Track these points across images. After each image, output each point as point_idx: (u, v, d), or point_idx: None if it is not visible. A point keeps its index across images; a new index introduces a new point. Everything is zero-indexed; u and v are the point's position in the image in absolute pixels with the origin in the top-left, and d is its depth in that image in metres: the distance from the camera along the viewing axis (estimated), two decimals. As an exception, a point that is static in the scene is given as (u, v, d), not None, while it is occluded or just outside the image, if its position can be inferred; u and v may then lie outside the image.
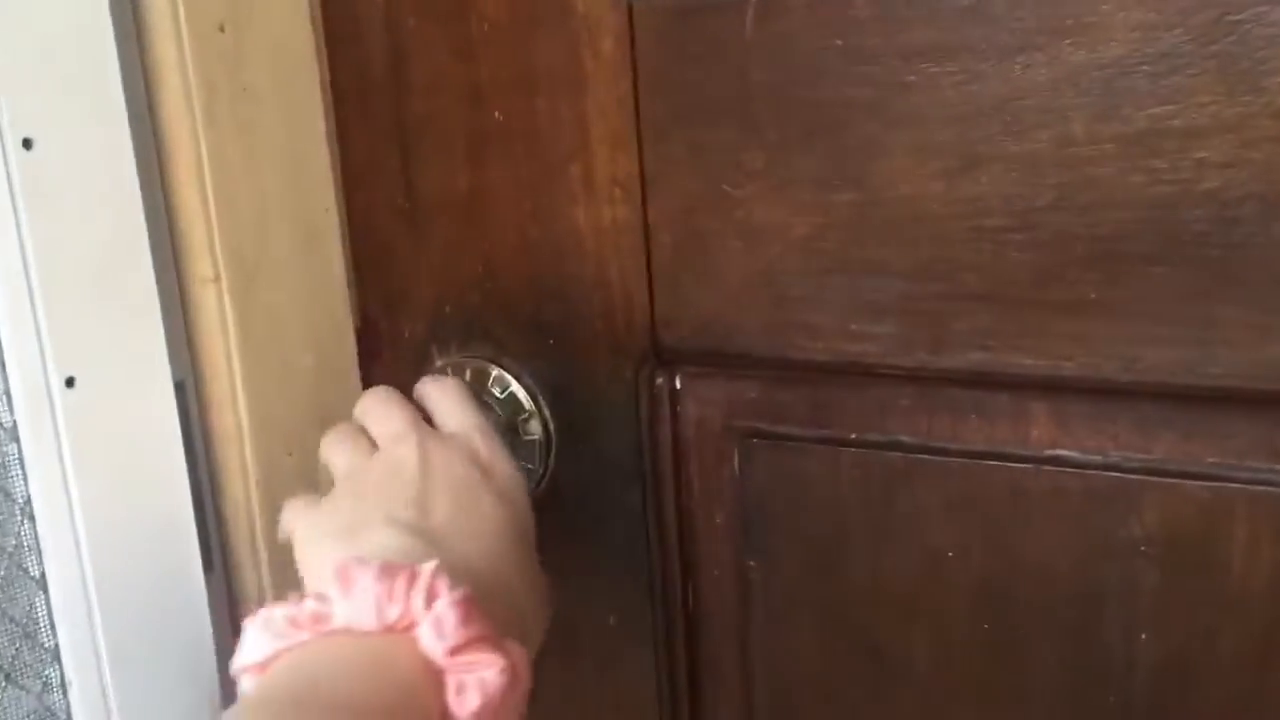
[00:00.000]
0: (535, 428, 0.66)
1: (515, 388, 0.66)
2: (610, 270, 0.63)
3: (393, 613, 0.43)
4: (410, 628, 0.43)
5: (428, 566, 0.44)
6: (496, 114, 0.64)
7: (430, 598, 0.43)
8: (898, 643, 0.61)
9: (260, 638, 0.44)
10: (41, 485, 0.57)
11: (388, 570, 0.44)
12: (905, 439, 0.59)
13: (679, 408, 0.64)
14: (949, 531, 0.59)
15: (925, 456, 0.59)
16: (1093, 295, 0.53)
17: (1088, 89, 0.51)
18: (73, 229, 0.57)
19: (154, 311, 0.60)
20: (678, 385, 0.64)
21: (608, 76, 0.60)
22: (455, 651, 0.43)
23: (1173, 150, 0.50)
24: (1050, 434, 0.56)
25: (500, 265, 0.66)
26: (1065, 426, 0.56)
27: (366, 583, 0.43)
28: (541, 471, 0.66)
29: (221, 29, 0.60)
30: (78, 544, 0.58)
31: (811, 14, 0.55)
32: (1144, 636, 0.56)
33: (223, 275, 0.61)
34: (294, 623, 0.44)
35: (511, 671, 0.44)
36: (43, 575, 0.58)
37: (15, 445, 0.56)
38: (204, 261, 0.61)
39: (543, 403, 0.66)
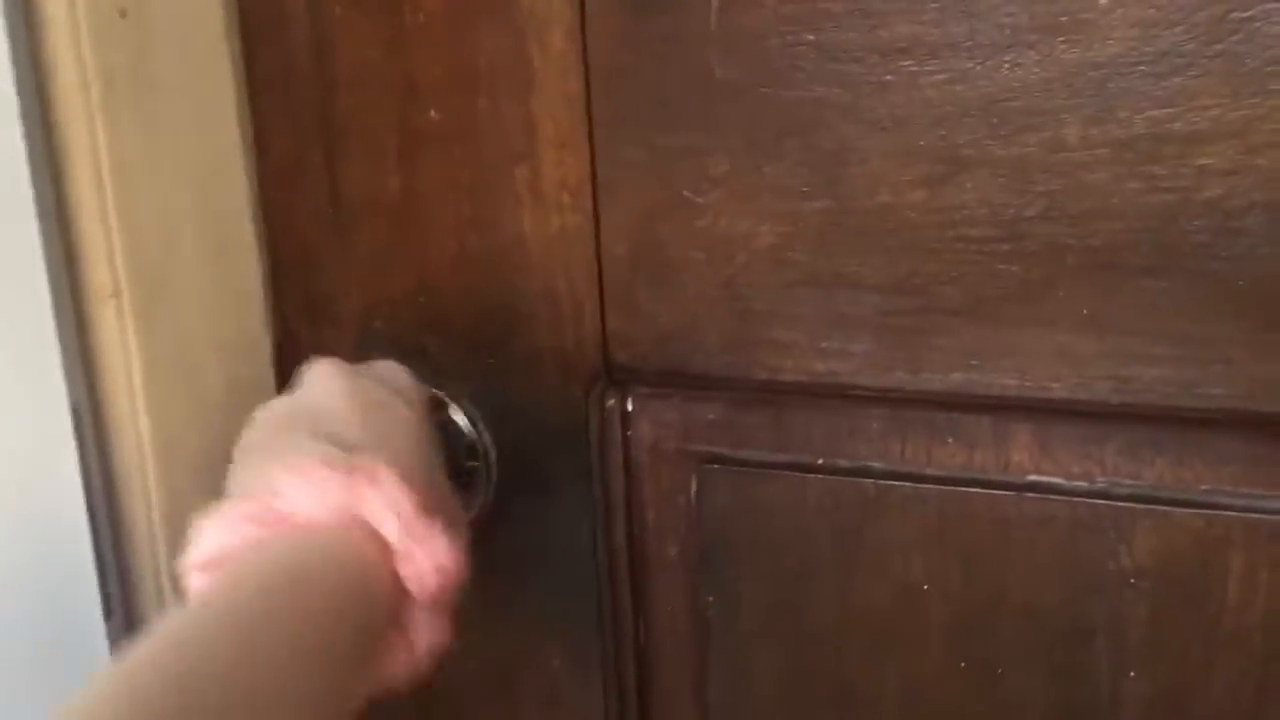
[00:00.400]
0: (475, 454, 0.61)
1: (453, 410, 0.61)
2: (558, 282, 0.58)
3: (344, 500, 0.44)
4: (362, 515, 0.45)
5: (369, 459, 0.46)
6: (432, 112, 0.59)
7: (376, 483, 0.45)
8: (868, 682, 0.57)
9: (217, 534, 0.44)
10: None
11: (329, 462, 0.45)
12: (877, 464, 0.55)
13: (631, 431, 0.59)
14: (924, 563, 0.55)
15: (898, 483, 0.55)
16: (1084, 311, 0.50)
17: (1081, 90, 0.47)
18: None
19: (47, 330, 0.53)
20: (630, 407, 0.59)
21: (556, 73, 0.56)
22: (411, 533, 0.45)
23: (1172, 156, 0.47)
24: (1033, 458, 0.53)
25: (436, 276, 0.60)
26: (1049, 451, 0.52)
27: (316, 475, 0.44)
28: (483, 501, 0.61)
29: (123, 14, 0.54)
30: None
31: (781, 7, 0.51)
32: (1133, 674, 0.52)
33: (124, 289, 0.55)
34: (252, 519, 0.44)
35: (460, 550, 0.46)
36: None
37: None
38: (103, 274, 0.55)
39: (483, 427, 0.61)
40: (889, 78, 0.50)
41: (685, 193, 0.55)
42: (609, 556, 0.61)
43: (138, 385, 0.56)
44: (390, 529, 0.44)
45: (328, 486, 0.44)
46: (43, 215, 0.53)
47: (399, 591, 0.45)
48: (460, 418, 0.61)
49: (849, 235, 0.53)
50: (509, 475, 0.61)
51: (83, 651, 0.55)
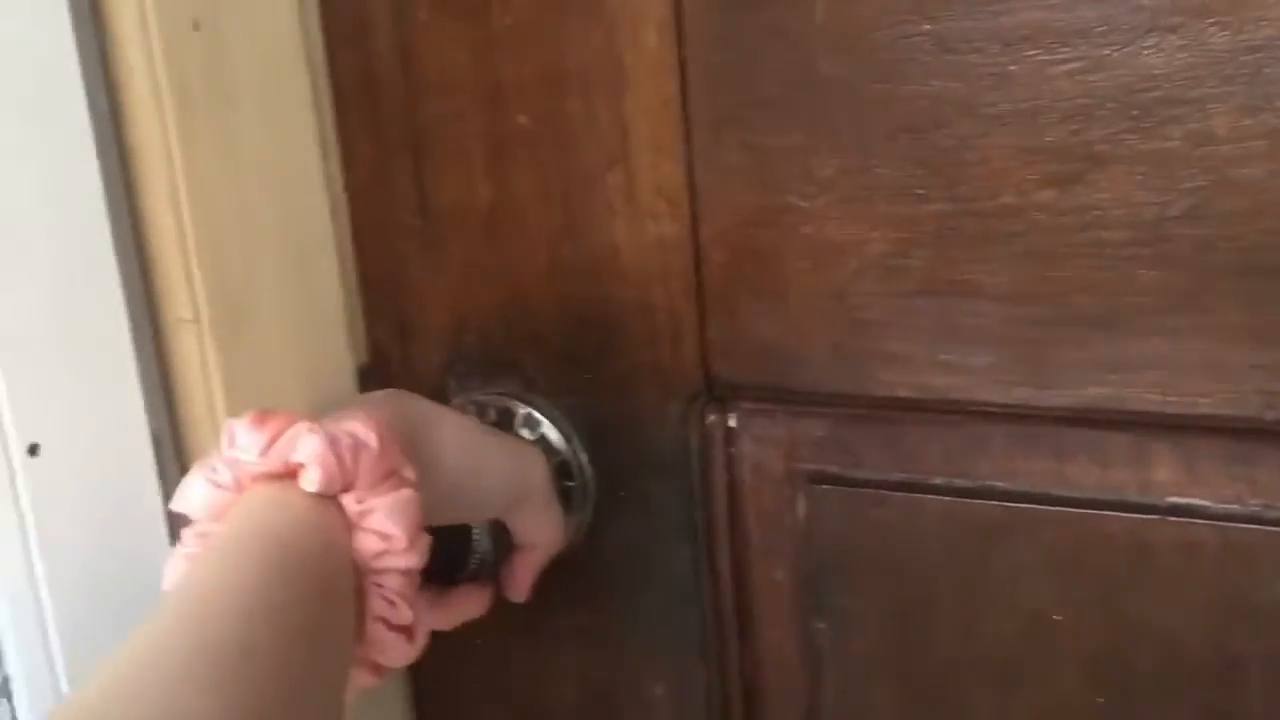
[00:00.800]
0: (572, 474, 0.58)
1: (547, 428, 0.58)
2: (655, 293, 0.55)
3: (281, 450, 0.44)
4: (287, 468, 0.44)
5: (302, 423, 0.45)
6: (521, 117, 0.56)
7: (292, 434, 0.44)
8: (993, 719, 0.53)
9: (208, 490, 0.45)
10: (1, 572, 0.48)
11: (262, 419, 0.45)
12: (1000, 484, 0.51)
13: (734, 449, 0.56)
14: (1055, 591, 0.51)
15: (1025, 505, 0.51)
16: (1235, 320, 0.45)
17: (1232, 77, 0.43)
18: (30, 266, 0.48)
19: (126, 357, 0.51)
20: (733, 423, 0.56)
21: (651, 73, 0.53)
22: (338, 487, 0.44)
23: (1338, 148, 0.42)
24: (1176, 479, 0.48)
25: (527, 288, 0.58)
26: (1195, 471, 0.48)
27: (246, 437, 0.45)
28: (579, 522, 0.59)
29: (196, 26, 0.52)
30: (46, 641, 0.49)
31: (892, -5, 0.47)
32: (1291, 714, 0.48)
33: (203, 314, 0.53)
34: (211, 470, 0.45)
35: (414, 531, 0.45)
36: (4, 681, 0.49)
37: (-33, 530, 0.48)
38: (181, 298, 0.53)
39: (578, 445, 0.58)
40: (1013, 68, 0.46)
41: (790, 197, 0.51)
42: (712, 581, 0.58)
43: (219, 412, 0.53)
44: (310, 478, 0.43)
45: (261, 448, 0.44)
46: (118, 238, 0.51)
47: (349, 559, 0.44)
48: (555, 435, 0.58)
49: (969, 240, 0.49)
50: (606, 495, 0.59)
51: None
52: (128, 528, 0.52)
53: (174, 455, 0.54)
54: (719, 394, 0.56)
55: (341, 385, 0.61)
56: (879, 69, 0.49)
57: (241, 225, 0.55)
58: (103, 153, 0.50)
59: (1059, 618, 0.51)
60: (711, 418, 0.56)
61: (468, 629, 0.55)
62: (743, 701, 0.58)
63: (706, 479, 0.57)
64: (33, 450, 0.48)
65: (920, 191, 0.49)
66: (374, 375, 0.62)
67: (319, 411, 0.48)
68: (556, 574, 0.58)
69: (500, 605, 0.57)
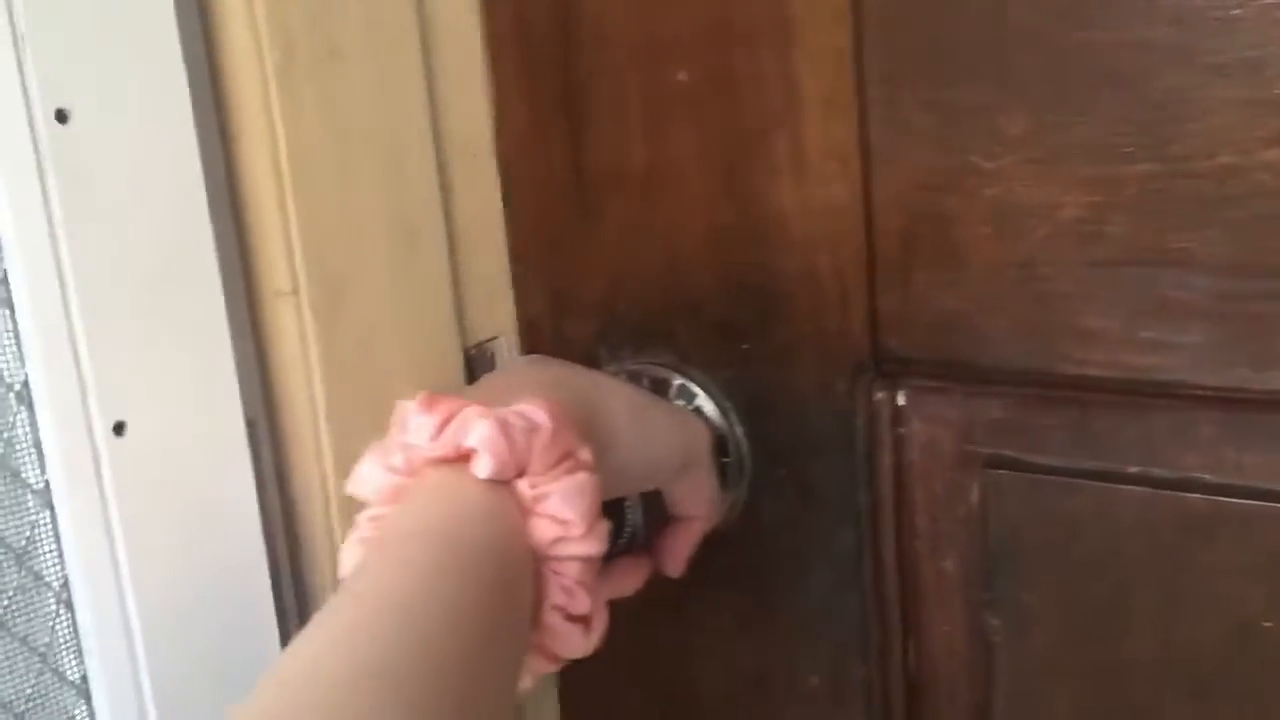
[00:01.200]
0: (727, 449, 0.55)
1: (702, 401, 0.55)
2: (821, 261, 0.52)
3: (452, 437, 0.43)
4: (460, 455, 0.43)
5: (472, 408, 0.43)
6: (681, 73, 0.53)
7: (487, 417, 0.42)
8: (1189, 731, 0.49)
9: (381, 474, 0.44)
10: (82, 564, 0.45)
11: (431, 401, 0.43)
12: (1207, 477, 0.46)
13: (903, 428, 0.52)
14: (1266, 595, 0.46)
15: (1235, 500, 0.46)
16: None
17: None
18: (119, 229, 0.45)
19: (220, 333, 0.48)
20: (902, 401, 0.52)
21: (821, 22, 0.49)
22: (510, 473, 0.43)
23: None
24: None
25: (685, 255, 0.55)
26: None
27: (417, 421, 0.43)
28: (734, 500, 0.56)
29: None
30: (129, 636, 0.46)
31: (1098, -69, 0.43)
32: None
33: (303, 288, 0.49)
34: (385, 454, 0.44)
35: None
36: (84, 680, 0.46)
37: (48, 513, 0.45)
38: (280, 271, 0.49)
39: (735, 419, 0.55)
40: (1236, 12, 0.41)
41: (973, 157, 0.47)
42: (875, 567, 0.54)
43: (317, 390, 0.50)
44: (483, 465, 0.41)
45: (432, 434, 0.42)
46: (213, 200, 0.48)
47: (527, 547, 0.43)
48: (710, 408, 0.55)
49: (1179, 204, 0.44)
50: (764, 473, 0.56)
51: (259, 669, 0.51)
52: (218, 514, 0.49)
53: (268, 436, 0.51)
54: (888, 369, 0.52)
55: (450, 366, 0.56)
56: (1079, 15, 0.44)
57: (345, 192, 0.51)
58: (199, 112, 0.47)
59: (1269, 625, 0.46)
60: (879, 394, 0.52)
61: (613, 607, 0.53)
62: (905, 696, 0.55)
63: (871, 459, 0.53)
64: (118, 429, 0.45)
65: (1127, 150, 0.44)
66: (527, 346, 0.60)
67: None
68: (708, 552, 0.55)
69: (646, 583, 0.54)
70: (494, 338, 0.59)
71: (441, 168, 0.55)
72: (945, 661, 0.54)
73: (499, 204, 0.59)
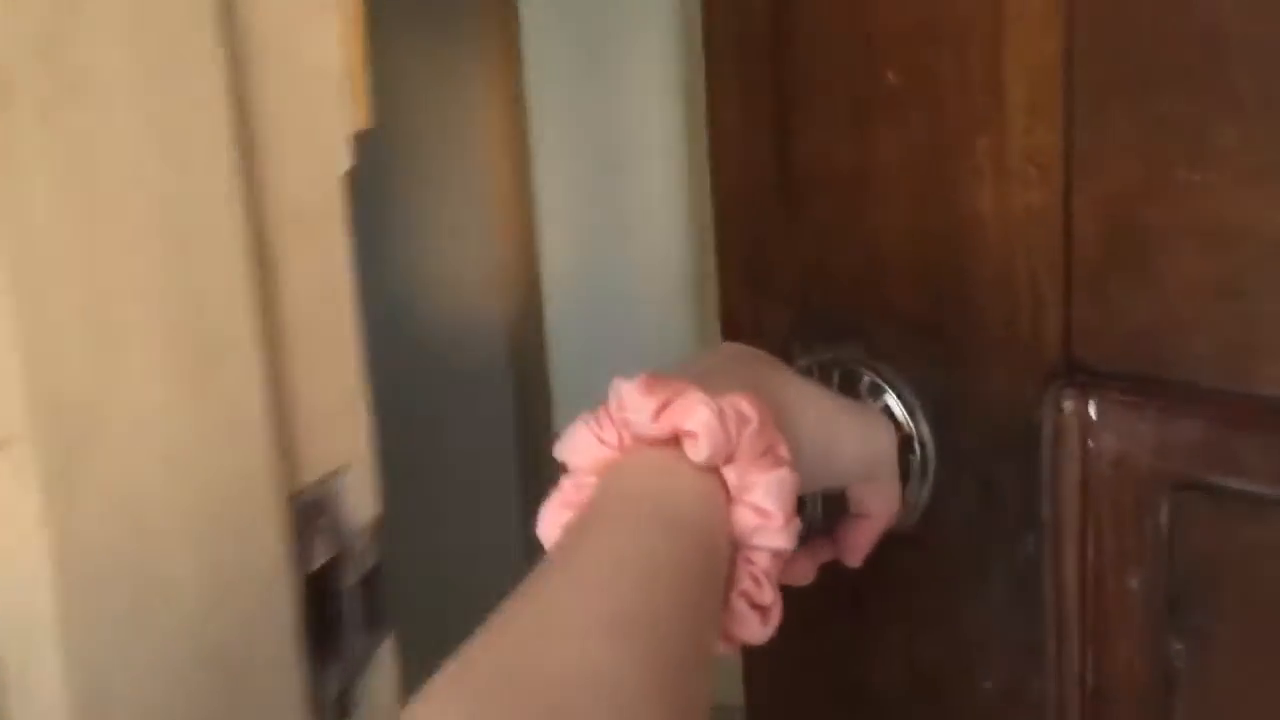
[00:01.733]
0: (912, 447, 0.56)
1: (890, 398, 0.56)
2: (1018, 266, 0.52)
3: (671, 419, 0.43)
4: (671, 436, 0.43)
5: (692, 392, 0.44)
6: (889, 74, 0.54)
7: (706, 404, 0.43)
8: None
9: (593, 444, 0.45)
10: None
11: (651, 385, 0.44)
12: None
13: (1093, 441, 0.51)
14: None
15: None
16: None
17: None
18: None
19: None
20: (1093, 413, 0.51)
21: (1033, 26, 0.49)
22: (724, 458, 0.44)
23: None
24: None
25: (883, 254, 0.56)
26: None
27: (637, 400, 0.44)
28: (916, 499, 0.56)
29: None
30: None
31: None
32: None
33: (24, 434, 0.35)
34: (596, 424, 0.45)
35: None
36: None
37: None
38: None
39: (921, 418, 0.56)
40: None
41: (1179, 169, 0.46)
42: (1056, 581, 0.53)
43: (44, 594, 0.36)
44: (700, 449, 0.42)
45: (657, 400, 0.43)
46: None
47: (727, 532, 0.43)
48: (898, 406, 0.56)
49: (1400, 225, 0.42)
50: (948, 475, 0.56)
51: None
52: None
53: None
54: (1079, 379, 0.51)
55: (262, 525, 0.43)
56: (1303, 24, 0.42)
57: (93, 289, 0.36)
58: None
59: None
60: (1069, 404, 0.52)
61: (797, 599, 0.55)
62: (1080, 711, 0.54)
63: (1057, 470, 0.52)
64: None
65: (1342, 166, 0.42)
66: (726, 335, 0.62)
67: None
68: (888, 552, 0.55)
69: (825, 577, 0.55)
70: (336, 471, 0.44)
71: (262, 240, 0.40)
72: (1124, 681, 0.53)
73: (347, 281, 0.45)
